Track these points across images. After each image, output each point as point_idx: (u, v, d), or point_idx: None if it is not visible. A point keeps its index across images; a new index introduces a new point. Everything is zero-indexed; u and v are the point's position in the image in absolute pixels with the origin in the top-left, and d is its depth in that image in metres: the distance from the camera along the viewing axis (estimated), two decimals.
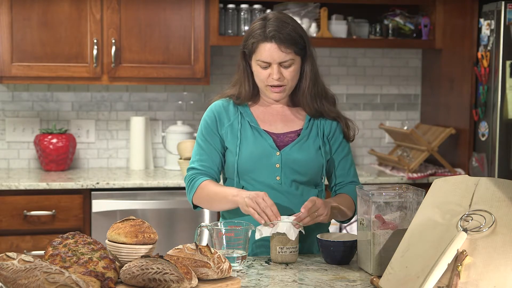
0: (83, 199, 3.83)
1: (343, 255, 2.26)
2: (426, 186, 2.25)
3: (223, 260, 1.99)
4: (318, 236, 2.31)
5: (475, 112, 4.06)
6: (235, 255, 2.19)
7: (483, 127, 4.02)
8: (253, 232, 2.31)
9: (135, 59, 4.09)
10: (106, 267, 1.86)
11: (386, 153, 4.62)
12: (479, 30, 4.03)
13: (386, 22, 4.46)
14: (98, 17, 4.02)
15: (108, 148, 4.46)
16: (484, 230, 1.82)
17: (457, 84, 4.27)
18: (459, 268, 1.77)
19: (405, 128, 4.58)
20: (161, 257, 1.89)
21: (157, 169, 4.37)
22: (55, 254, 1.89)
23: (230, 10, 4.25)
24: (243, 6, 4.24)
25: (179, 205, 3.90)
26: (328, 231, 2.56)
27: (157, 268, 1.84)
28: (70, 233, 2.00)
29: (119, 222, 2.05)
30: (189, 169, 2.54)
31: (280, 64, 2.40)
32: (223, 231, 2.22)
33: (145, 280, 1.84)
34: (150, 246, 2.02)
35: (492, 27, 3.91)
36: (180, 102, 4.51)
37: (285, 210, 2.39)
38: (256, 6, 4.26)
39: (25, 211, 3.77)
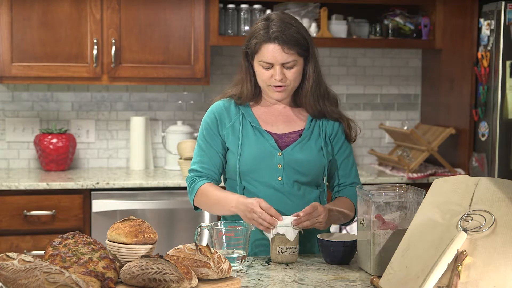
0: (83, 199, 3.83)
1: (343, 255, 2.26)
2: (426, 186, 2.25)
3: (223, 260, 1.99)
4: (318, 236, 2.31)
5: (475, 112, 4.06)
6: (235, 255, 2.19)
7: (483, 127, 4.02)
8: (253, 232, 2.31)
9: (135, 59, 4.09)
10: (106, 267, 1.86)
11: (386, 153, 4.62)
12: (479, 30, 4.02)
13: (386, 22, 4.46)
14: (98, 17, 4.02)
15: (108, 148, 4.46)
16: (484, 230, 1.82)
17: (457, 84, 4.27)
18: (459, 268, 1.77)
19: (405, 128, 4.58)
20: (161, 257, 1.89)
21: (157, 169, 4.37)
22: (55, 254, 1.89)
23: (230, 10, 4.25)
24: (243, 6, 4.24)
25: (179, 205, 3.90)
26: (329, 231, 2.57)
27: (157, 268, 1.84)
28: (70, 233, 2.00)
29: (119, 222, 2.05)
30: (190, 170, 2.55)
31: (282, 65, 2.39)
32: (223, 231, 2.22)
33: (145, 280, 1.84)
34: (150, 246, 2.02)
35: (492, 27, 3.91)
36: (180, 102, 4.51)
37: (286, 211, 2.39)
38: (256, 6, 4.26)
39: (25, 211, 3.77)
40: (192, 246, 2.01)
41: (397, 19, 4.44)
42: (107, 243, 2.03)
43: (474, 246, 1.80)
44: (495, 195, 1.88)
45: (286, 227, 2.26)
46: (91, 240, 1.97)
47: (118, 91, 4.44)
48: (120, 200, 3.85)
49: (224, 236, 2.21)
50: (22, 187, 3.77)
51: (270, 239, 2.29)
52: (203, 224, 2.28)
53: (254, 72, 2.47)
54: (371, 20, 4.50)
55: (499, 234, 1.80)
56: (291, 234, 2.26)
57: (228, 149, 2.50)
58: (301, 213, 2.29)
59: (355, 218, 2.48)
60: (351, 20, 4.47)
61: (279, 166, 2.44)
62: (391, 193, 2.14)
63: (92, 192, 3.84)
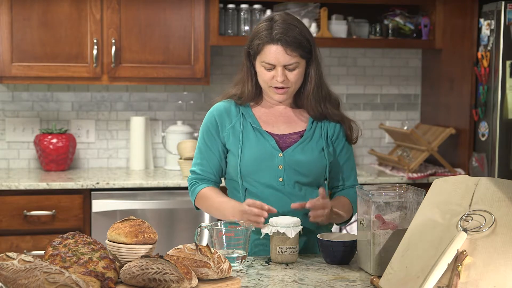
0: (83, 199, 3.83)
1: (343, 255, 2.26)
2: (426, 186, 2.24)
3: (223, 260, 1.99)
4: (318, 236, 2.31)
5: (475, 112, 4.06)
6: (235, 255, 2.19)
7: (483, 127, 4.02)
8: (253, 232, 2.31)
9: (135, 59, 4.09)
10: (106, 267, 1.86)
11: (386, 153, 4.62)
12: (479, 30, 4.02)
13: (386, 22, 4.46)
14: (98, 17, 4.02)
15: (108, 148, 4.46)
16: (484, 230, 1.82)
17: (457, 84, 4.27)
18: (459, 268, 1.77)
19: (405, 128, 4.58)
20: (161, 257, 1.89)
21: (157, 169, 4.37)
22: (55, 254, 1.89)
23: (230, 10, 4.25)
24: (243, 6, 4.24)
25: (179, 205, 3.90)
26: (330, 231, 2.57)
27: (157, 268, 1.84)
28: (70, 233, 2.00)
29: (119, 222, 2.05)
30: (191, 171, 2.56)
31: (284, 66, 2.39)
32: (223, 231, 2.22)
33: (145, 280, 1.84)
34: (150, 246, 2.02)
35: (492, 27, 3.91)
36: (180, 102, 4.51)
37: (288, 212, 2.39)
38: (256, 6, 4.26)
39: (25, 211, 3.77)
40: (192, 246, 2.01)
41: (397, 19, 4.44)
42: (107, 243, 2.03)
43: (474, 246, 1.80)
44: (495, 195, 1.88)
45: (286, 227, 2.26)
46: (91, 240, 1.97)
47: (118, 91, 4.44)
48: (120, 200, 3.85)
49: (224, 236, 2.21)
50: (22, 187, 3.77)
51: (270, 237, 2.29)
52: (203, 224, 2.28)
53: (255, 73, 2.47)
54: (371, 20, 4.50)
55: (499, 234, 1.80)
56: (291, 232, 2.26)
57: (228, 151, 2.49)
58: (317, 204, 2.31)
59: (355, 217, 2.48)
60: (351, 20, 4.47)
61: (280, 167, 2.44)
62: (391, 193, 2.14)
63: (92, 192, 3.84)
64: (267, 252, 2.41)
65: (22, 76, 4.00)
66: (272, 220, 2.28)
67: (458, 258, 1.78)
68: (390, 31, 4.43)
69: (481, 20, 3.99)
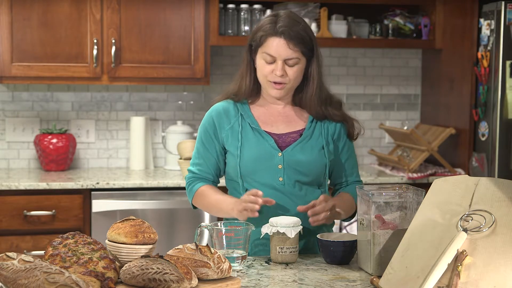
0: (83, 199, 3.83)
1: (343, 255, 2.26)
2: (426, 186, 2.25)
3: (223, 260, 1.99)
4: (318, 236, 2.31)
5: (475, 112, 4.06)
6: (235, 255, 2.19)
7: (483, 127, 4.02)
8: (253, 232, 2.31)
9: (135, 59, 4.09)
10: (106, 267, 1.86)
11: (386, 153, 4.62)
12: (479, 30, 4.02)
13: (386, 22, 4.46)
14: (98, 17, 4.02)
15: (108, 148, 4.46)
16: (484, 230, 1.82)
17: (457, 84, 4.27)
18: (459, 268, 1.77)
19: (405, 128, 4.58)
20: (161, 257, 1.89)
21: (157, 169, 4.37)
22: (55, 254, 1.89)
23: (230, 10, 4.25)
24: (243, 6, 4.24)
25: (179, 205, 3.90)
26: (332, 231, 2.57)
27: (157, 268, 1.84)
28: (70, 233, 2.00)
29: (119, 222, 2.05)
30: (188, 170, 2.57)
31: (285, 61, 2.39)
32: (223, 231, 2.22)
33: (145, 280, 1.84)
34: (150, 246, 2.02)
35: (492, 27, 3.91)
36: (180, 102, 4.51)
37: (288, 211, 2.38)
38: (256, 6, 4.26)
39: (25, 211, 3.77)
40: (192, 246, 2.01)
41: (397, 19, 4.44)
42: (107, 243, 2.03)
43: (474, 246, 1.80)
44: (495, 195, 1.88)
45: (286, 227, 2.26)
46: (91, 240, 1.97)
47: (118, 91, 4.44)
48: (120, 200, 3.85)
49: (224, 236, 2.21)
50: (22, 187, 3.77)
51: (270, 238, 2.29)
52: (203, 224, 2.28)
53: (255, 68, 2.47)
54: (371, 20, 4.50)
55: (499, 234, 1.80)
56: (291, 232, 2.26)
57: (227, 152, 2.49)
58: (317, 208, 2.30)
59: (355, 217, 2.48)
60: (351, 20, 4.47)
61: (280, 166, 2.44)
62: (391, 193, 2.14)
63: (92, 192, 3.84)
64: (267, 252, 2.41)
65: (22, 76, 4.00)
66: (272, 220, 2.29)
67: (458, 258, 1.78)
68: (390, 31, 4.43)
69: (481, 20, 3.99)
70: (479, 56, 3.99)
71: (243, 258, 2.20)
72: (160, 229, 3.80)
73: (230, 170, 2.50)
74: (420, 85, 4.77)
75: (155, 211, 3.89)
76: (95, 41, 4.02)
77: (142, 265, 1.86)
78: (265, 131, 2.46)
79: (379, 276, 1.99)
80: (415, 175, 4.12)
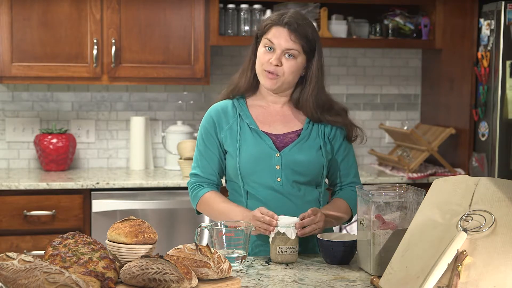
0: (83, 199, 3.83)
1: (343, 255, 2.26)
2: (426, 186, 2.24)
3: (223, 260, 1.99)
4: (318, 236, 2.31)
5: (475, 112, 4.06)
6: (235, 255, 2.19)
7: (483, 127, 4.02)
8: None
9: (135, 59, 4.09)
10: (106, 267, 1.86)
11: (386, 153, 4.62)
12: (479, 30, 4.03)
13: (386, 22, 4.46)
14: (98, 17, 4.02)
15: (108, 148, 4.46)
16: (484, 230, 1.82)
17: (457, 84, 4.27)
18: (459, 268, 1.77)
19: (405, 128, 4.58)
20: (161, 257, 1.89)
21: (157, 169, 4.37)
22: (55, 254, 1.89)
23: (230, 10, 4.25)
24: (243, 6, 4.25)
25: (179, 205, 3.90)
26: (332, 230, 2.57)
27: (157, 268, 1.84)
28: (70, 233, 2.00)
29: (119, 222, 2.05)
30: (191, 175, 2.55)
31: (283, 53, 2.39)
32: (223, 231, 2.22)
33: (145, 280, 1.84)
34: (150, 246, 2.02)
35: (492, 27, 3.91)
36: (180, 102, 4.51)
37: (287, 212, 2.38)
38: (256, 6, 4.26)
39: (25, 211, 3.77)
40: (192, 246, 2.01)
41: (397, 19, 4.44)
42: (107, 243, 2.03)
43: (474, 246, 1.80)
44: (495, 195, 1.88)
45: (287, 226, 2.26)
46: (91, 240, 1.97)
47: (118, 91, 4.44)
48: (120, 200, 3.85)
49: (224, 236, 2.21)
50: (22, 187, 3.77)
51: (270, 240, 2.30)
52: (203, 224, 2.28)
53: (255, 62, 2.48)
54: (371, 20, 4.50)
55: (499, 234, 1.80)
56: (292, 233, 2.26)
57: (226, 152, 2.49)
58: (305, 221, 2.30)
59: (355, 217, 2.48)
60: (351, 20, 4.47)
61: (278, 167, 2.43)
62: (391, 193, 2.14)
63: (92, 192, 3.84)
64: (267, 253, 2.41)
65: (22, 76, 4.00)
66: None
67: (458, 258, 1.78)
68: (390, 31, 4.43)
69: (481, 20, 3.99)
70: (479, 56, 3.99)
71: (243, 258, 2.20)
72: (160, 229, 3.80)
73: (230, 171, 2.50)
74: (420, 85, 4.77)
75: (155, 211, 3.89)
76: (95, 41, 4.02)
77: (142, 265, 1.86)
78: (263, 131, 2.46)
79: (379, 276, 1.99)
80: (415, 175, 4.12)
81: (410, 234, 1.94)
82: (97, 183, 3.83)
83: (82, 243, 1.94)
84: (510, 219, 1.81)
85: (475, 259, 1.78)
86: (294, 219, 2.29)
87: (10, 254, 1.79)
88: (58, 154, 4.15)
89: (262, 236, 2.41)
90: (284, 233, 2.26)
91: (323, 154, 2.46)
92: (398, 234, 2.06)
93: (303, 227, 2.30)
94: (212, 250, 2.01)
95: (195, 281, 1.88)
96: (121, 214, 3.82)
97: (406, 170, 4.17)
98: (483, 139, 4.03)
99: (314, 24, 4.28)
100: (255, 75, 2.49)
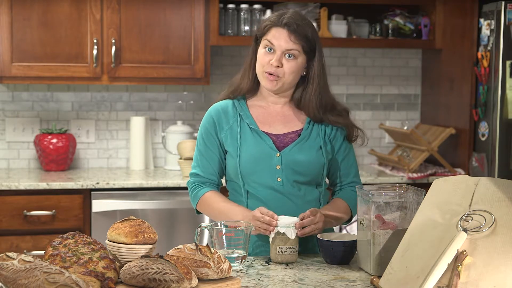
0: (83, 199, 3.83)
1: (343, 255, 2.26)
2: (426, 186, 2.25)
3: (223, 260, 1.99)
4: (318, 236, 2.31)
5: (475, 112, 4.06)
6: (235, 255, 2.19)
7: (483, 127, 4.02)
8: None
9: (135, 59, 4.09)
10: (106, 267, 1.86)
11: (386, 153, 4.62)
12: (479, 30, 4.03)
13: (386, 22, 4.46)
14: (98, 17, 4.02)
15: (108, 148, 4.46)
16: (484, 230, 1.82)
17: (457, 84, 4.27)
18: (459, 268, 1.77)
19: (405, 128, 4.58)
20: (161, 257, 1.89)
21: (157, 169, 4.37)
22: (55, 254, 1.89)
23: (230, 10, 4.25)
24: (243, 6, 4.25)
25: (179, 205, 3.90)
26: (333, 230, 2.57)
27: (157, 268, 1.84)
28: (70, 233, 2.00)
29: (119, 222, 2.05)
30: (191, 174, 2.55)
31: (283, 53, 2.39)
32: (223, 231, 2.22)
33: (145, 280, 1.84)
34: (150, 246, 2.02)
35: (492, 27, 3.91)
36: (180, 102, 4.51)
37: (288, 212, 2.38)
38: (256, 6, 4.26)
39: (25, 211, 3.77)
40: (192, 246, 2.01)
41: (397, 19, 4.44)
42: (107, 243, 2.03)
43: (474, 246, 1.80)
44: (495, 195, 1.88)
45: (286, 226, 2.26)
46: (91, 240, 1.97)
47: (118, 91, 4.44)
48: (120, 200, 3.85)
49: (224, 236, 2.21)
50: (22, 187, 3.77)
51: (270, 240, 2.30)
52: (203, 224, 2.28)
53: (256, 63, 2.48)
54: (371, 20, 4.50)
55: (499, 234, 1.80)
56: (291, 233, 2.26)
57: (227, 152, 2.49)
58: (305, 221, 2.30)
59: (355, 217, 2.48)
60: (351, 20, 4.47)
61: (278, 167, 2.43)
62: (391, 193, 2.14)
63: (92, 192, 3.84)
64: (268, 253, 2.40)
65: (22, 76, 4.00)
66: None
67: (458, 258, 1.78)
68: (390, 31, 4.43)
69: (481, 20, 3.99)
70: (479, 56, 3.99)
71: (243, 258, 2.20)
72: (160, 229, 3.80)
73: (230, 171, 2.50)
74: (420, 85, 4.77)
75: (155, 211, 3.89)
76: (95, 41, 4.02)
77: (142, 265, 1.86)
78: (263, 131, 2.46)
79: (379, 276, 1.99)
80: (415, 175, 4.12)
81: (410, 234, 1.94)
82: (97, 183, 3.83)
83: (82, 243, 1.94)
84: (510, 219, 1.81)
85: (475, 259, 1.78)
86: (294, 219, 2.29)
87: (10, 254, 1.79)
88: (58, 154, 4.15)
89: (262, 236, 2.41)
90: (284, 233, 2.26)
91: (323, 154, 2.46)
92: (398, 234, 2.06)
93: (303, 227, 2.30)
94: (212, 250, 2.01)
95: (195, 281, 1.88)
96: (121, 214, 3.82)
97: (406, 170, 4.17)
98: (483, 139, 4.03)
99: (314, 24, 4.30)
100: (256, 76, 2.49)
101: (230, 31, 4.25)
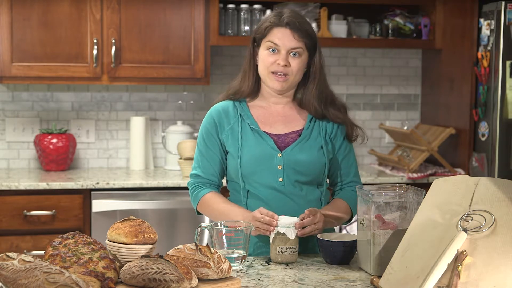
0: (83, 199, 3.83)
1: (343, 255, 2.26)
2: (426, 186, 2.25)
3: (223, 260, 1.99)
4: (318, 236, 2.31)
5: (475, 112, 4.06)
6: (235, 255, 2.19)
7: (483, 127, 4.02)
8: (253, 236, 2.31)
9: (135, 59, 4.09)
10: (106, 267, 1.86)
11: (386, 153, 4.62)
12: (479, 30, 4.02)
13: (386, 22, 4.46)
14: (98, 17, 4.02)
15: (108, 148, 4.46)
16: (484, 230, 1.82)
17: (457, 84, 4.27)
18: (459, 268, 1.77)
19: (405, 128, 4.58)
20: (161, 257, 1.89)
21: (157, 169, 4.37)
22: (55, 254, 1.89)
23: (230, 10, 4.25)
24: (243, 6, 4.25)
25: (179, 205, 3.90)
26: (334, 230, 2.57)
27: (157, 268, 1.84)
28: (70, 233, 2.00)
29: (119, 222, 2.05)
30: (191, 175, 2.55)
31: (288, 52, 2.40)
32: (223, 231, 2.22)
33: (145, 280, 1.84)
34: (150, 246, 2.02)
35: (492, 27, 3.91)
36: (180, 102, 4.51)
37: (289, 211, 2.38)
38: (256, 6, 4.26)
39: (25, 211, 3.77)
40: (192, 246, 2.01)
41: (397, 19, 4.44)
42: (107, 243, 2.03)
43: (474, 246, 1.80)
44: (495, 195, 1.88)
45: (286, 226, 2.26)
46: (91, 240, 1.97)
47: (118, 91, 4.44)
48: (120, 200, 3.85)
49: (224, 236, 2.21)
50: (22, 187, 3.77)
51: (270, 240, 2.30)
52: (203, 224, 2.28)
53: (256, 66, 2.47)
54: (371, 20, 4.50)
55: (499, 234, 1.80)
56: (291, 233, 2.26)
57: (228, 153, 2.49)
58: (305, 221, 2.30)
59: (355, 217, 2.48)
60: (351, 20, 4.47)
61: (279, 167, 2.43)
62: (391, 193, 2.14)
63: (92, 192, 3.84)
64: (269, 253, 2.40)
65: (22, 76, 4.00)
66: None
67: (458, 258, 1.78)
68: (390, 31, 4.43)
69: (481, 20, 3.99)
70: (479, 56, 3.99)
71: (243, 258, 2.20)
72: (160, 229, 3.80)
73: (231, 171, 2.50)
74: (420, 85, 4.77)
75: (155, 211, 3.89)
76: (95, 41, 4.02)
77: (142, 265, 1.86)
78: (264, 131, 2.46)
79: (379, 276, 1.99)
80: (415, 175, 4.12)
81: (410, 234, 1.94)
82: (97, 183, 3.83)
83: (82, 243, 1.94)
84: (510, 219, 1.81)
85: (475, 259, 1.78)
86: (294, 219, 2.29)
87: (10, 254, 1.79)
88: (58, 154, 4.15)
89: (263, 237, 2.41)
90: (284, 233, 2.26)
91: (324, 153, 2.47)
92: (398, 234, 2.06)
93: (303, 227, 2.30)
94: (212, 250, 2.01)
95: (195, 281, 1.88)
96: (121, 214, 3.82)
97: (406, 170, 4.17)
98: (483, 139, 4.03)
99: (314, 24, 4.32)
100: (257, 79, 2.49)
101: (230, 31, 4.25)
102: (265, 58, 2.43)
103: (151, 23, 4.09)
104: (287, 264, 2.27)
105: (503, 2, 3.85)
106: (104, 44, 4.04)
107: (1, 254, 1.81)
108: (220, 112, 2.51)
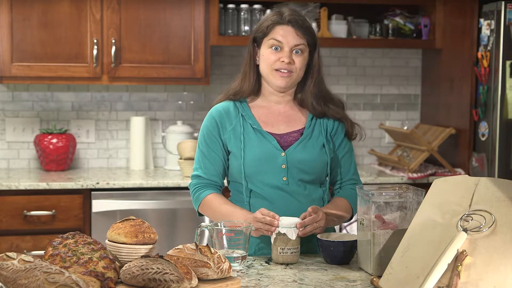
0: (83, 199, 3.83)
1: (343, 255, 2.26)
2: (426, 186, 2.24)
3: (223, 260, 1.99)
4: (318, 236, 2.31)
5: (475, 112, 4.06)
6: (235, 255, 2.19)
7: (483, 127, 4.02)
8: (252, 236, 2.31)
9: (135, 59, 4.09)
10: (106, 267, 1.86)
11: (386, 153, 4.62)
12: (479, 30, 4.02)
13: (386, 22, 4.46)
14: (98, 17, 4.02)
15: (108, 148, 4.46)
16: (484, 230, 1.82)
17: (457, 84, 4.27)
18: (459, 268, 1.77)
19: (405, 128, 4.58)
20: (161, 257, 1.89)
21: (157, 169, 4.37)
22: (55, 254, 1.89)
23: (230, 10, 4.25)
24: (243, 6, 4.25)
25: (179, 205, 3.90)
26: (334, 230, 2.57)
27: (157, 268, 1.84)
28: (70, 233, 2.00)
29: (119, 222, 2.05)
30: (193, 176, 2.54)
31: (292, 50, 2.40)
32: (223, 231, 2.22)
33: (145, 280, 1.84)
34: (150, 246, 2.02)
35: (492, 27, 3.91)
36: (180, 102, 4.51)
37: (293, 210, 2.38)
38: (256, 6, 4.26)
39: (25, 211, 3.77)
40: (192, 246, 2.01)
41: (397, 19, 4.44)
42: (107, 243, 2.03)
43: (474, 246, 1.80)
44: (495, 195, 1.88)
45: (287, 227, 2.26)
46: (91, 240, 1.97)
47: (118, 91, 4.44)
48: (120, 200, 3.85)
49: (224, 236, 2.21)
50: (22, 187, 3.77)
51: (272, 240, 2.30)
52: (203, 224, 2.28)
53: (257, 66, 2.47)
54: (371, 20, 4.50)
55: (499, 234, 1.80)
56: (292, 234, 2.26)
57: (230, 153, 2.49)
58: (306, 220, 2.29)
59: (355, 217, 2.48)
60: (351, 20, 4.47)
61: (283, 166, 2.44)
62: (391, 193, 2.14)
63: (92, 192, 3.84)
64: (270, 253, 2.40)
65: (22, 76, 4.00)
66: None
67: (458, 258, 1.78)
68: (390, 31, 4.43)
69: (481, 20, 3.99)
70: (479, 56, 3.99)
71: (243, 258, 2.20)
72: (160, 229, 3.80)
73: (233, 172, 2.50)
74: (420, 85, 4.77)
75: (155, 211, 3.89)
76: (95, 41, 4.02)
77: (142, 265, 1.86)
78: (267, 131, 2.47)
79: (379, 276, 1.99)
80: (415, 175, 4.12)
81: (410, 234, 1.94)
82: (97, 183, 3.83)
83: (82, 243, 1.94)
84: (510, 219, 1.81)
85: (475, 259, 1.78)
86: (295, 220, 2.29)
87: (10, 254, 1.79)
88: (58, 154, 4.15)
89: (265, 238, 2.41)
90: (285, 234, 2.26)
91: (326, 152, 2.47)
92: (398, 234, 2.06)
93: (305, 226, 2.30)
94: (212, 250, 2.01)
95: (195, 281, 1.88)
96: (121, 214, 3.82)
97: (406, 170, 4.17)
98: (483, 139, 4.03)
99: (314, 24, 4.32)
100: (257, 78, 2.49)
101: (230, 31, 4.25)
102: (267, 57, 2.43)
103: (151, 23, 4.09)
104: (287, 264, 2.27)
105: (503, 2, 3.85)
106: (104, 44, 4.04)
107: (1, 254, 1.81)
108: (221, 112, 2.50)
